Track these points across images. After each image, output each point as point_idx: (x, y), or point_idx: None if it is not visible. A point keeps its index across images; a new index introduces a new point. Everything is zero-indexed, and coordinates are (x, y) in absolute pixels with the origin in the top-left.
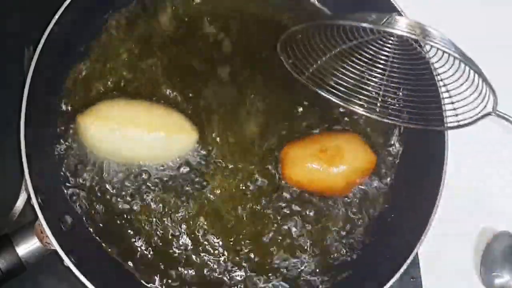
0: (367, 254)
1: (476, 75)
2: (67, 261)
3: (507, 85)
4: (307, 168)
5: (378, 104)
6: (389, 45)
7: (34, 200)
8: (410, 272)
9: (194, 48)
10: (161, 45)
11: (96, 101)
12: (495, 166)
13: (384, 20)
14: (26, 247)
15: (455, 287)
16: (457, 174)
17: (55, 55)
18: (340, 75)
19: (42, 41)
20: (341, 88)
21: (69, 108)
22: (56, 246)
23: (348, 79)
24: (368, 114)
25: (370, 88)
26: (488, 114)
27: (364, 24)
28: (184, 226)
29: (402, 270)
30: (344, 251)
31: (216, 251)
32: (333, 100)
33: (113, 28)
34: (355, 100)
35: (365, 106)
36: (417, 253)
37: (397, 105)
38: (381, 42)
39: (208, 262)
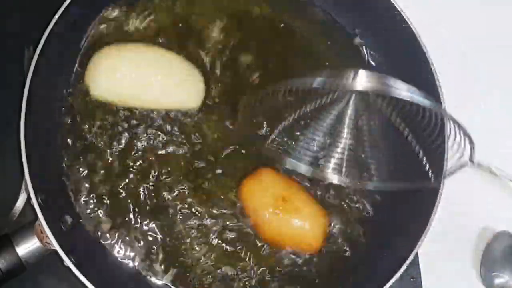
0: (367, 254)
1: (451, 123)
2: (67, 261)
3: (507, 85)
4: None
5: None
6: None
7: (34, 200)
8: (410, 272)
9: (194, 46)
10: (161, 45)
11: (96, 101)
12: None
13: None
14: (26, 247)
15: (455, 287)
16: (456, 173)
17: (55, 55)
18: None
19: (42, 41)
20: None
21: (69, 107)
22: (56, 246)
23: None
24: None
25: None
26: (465, 165)
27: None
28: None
29: (402, 270)
30: (344, 251)
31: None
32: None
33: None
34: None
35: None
36: (417, 253)
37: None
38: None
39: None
